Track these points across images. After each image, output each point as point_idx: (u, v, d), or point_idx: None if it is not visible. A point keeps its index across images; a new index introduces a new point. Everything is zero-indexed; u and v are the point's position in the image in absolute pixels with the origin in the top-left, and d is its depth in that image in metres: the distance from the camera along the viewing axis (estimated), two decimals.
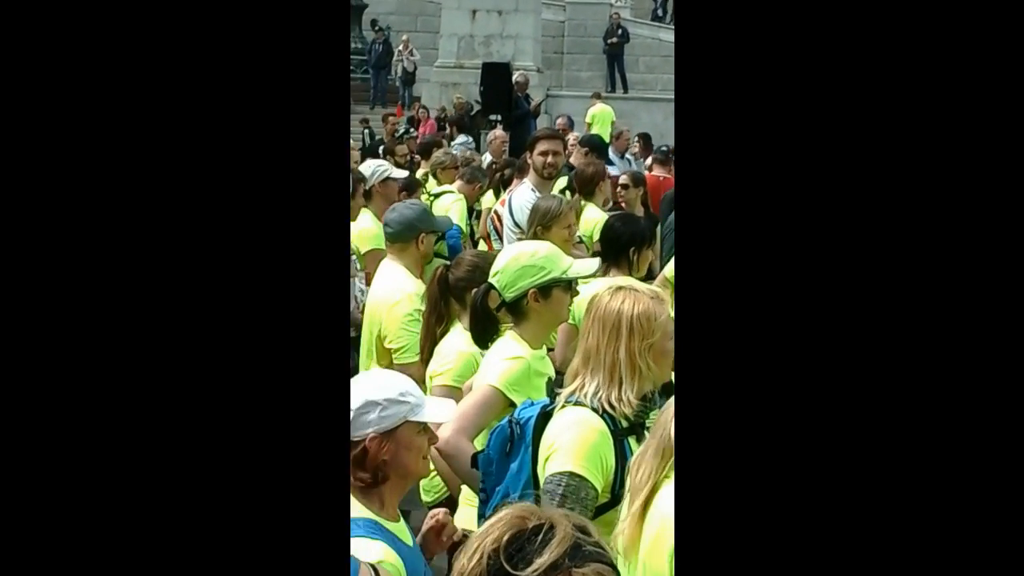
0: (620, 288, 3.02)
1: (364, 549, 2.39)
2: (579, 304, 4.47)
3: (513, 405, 3.46)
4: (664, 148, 10.59)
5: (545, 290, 3.60)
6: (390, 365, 4.57)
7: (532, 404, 3.23)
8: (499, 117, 14.66)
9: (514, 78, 16.62)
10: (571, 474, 2.87)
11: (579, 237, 5.82)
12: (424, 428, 2.65)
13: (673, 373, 2.95)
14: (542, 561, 1.52)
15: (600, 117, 17.89)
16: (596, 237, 5.96)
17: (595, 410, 2.91)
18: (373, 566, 2.29)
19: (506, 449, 3.16)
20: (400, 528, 2.63)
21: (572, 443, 2.90)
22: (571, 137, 10.48)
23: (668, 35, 24.13)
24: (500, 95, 15.50)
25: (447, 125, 16.22)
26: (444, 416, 2.76)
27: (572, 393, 2.97)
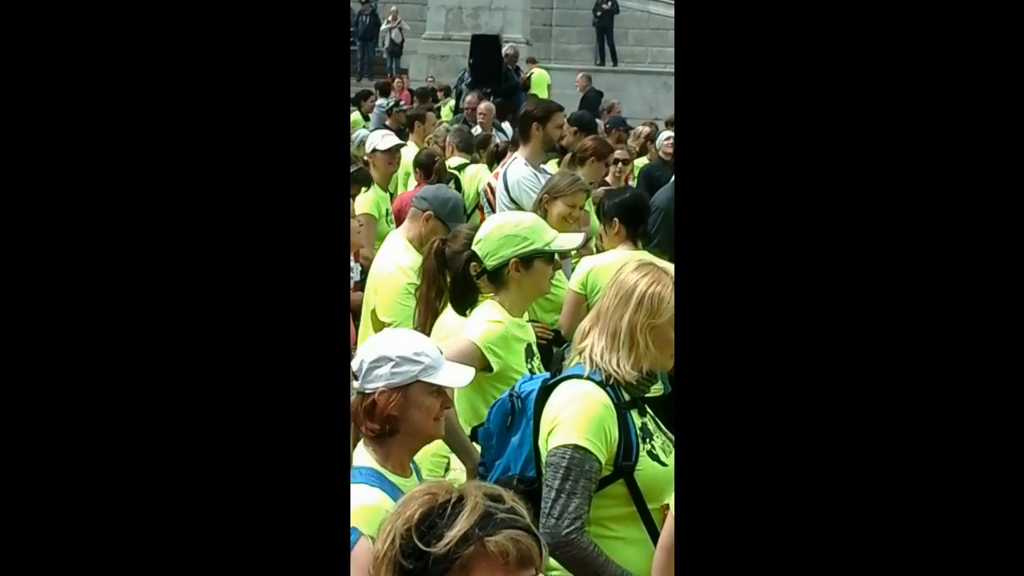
0: (650, 264, 3.03)
1: (362, 495, 2.48)
2: (601, 272, 4.48)
3: (488, 368, 3.54)
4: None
5: (527, 260, 3.63)
6: None
7: (533, 378, 3.24)
8: (489, 89, 14.56)
9: (504, 50, 16.52)
10: (575, 447, 2.86)
11: None
12: (438, 391, 2.71)
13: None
14: (452, 534, 1.53)
15: (536, 81, 17.80)
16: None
17: (599, 383, 2.90)
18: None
19: (507, 423, 3.16)
20: (408, 484, 2.65)
21: (576, 416, 2.89)
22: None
23: (657, 7, 24.02)
24: (490, 67, 15.40)
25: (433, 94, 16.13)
26: (460, 381, 2.81)
27: (581, 352, 2.98)
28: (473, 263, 3.73)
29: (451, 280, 3.85)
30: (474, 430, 3.36)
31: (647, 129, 11.18)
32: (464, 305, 3.77)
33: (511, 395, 3.19)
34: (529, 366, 3.70)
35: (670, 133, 8.18)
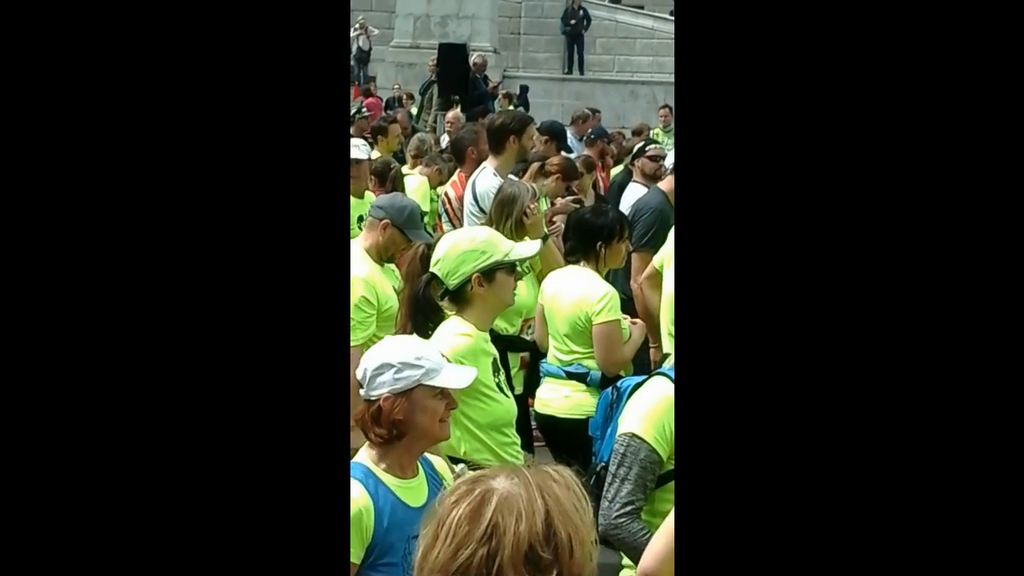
0: None
1: None
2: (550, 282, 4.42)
3: None
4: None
5: (488, 274, 3.65)
6: None
7: (637, 376, 3.45)
8: (458, 98, 14.51)
9: (471, 60, 16.46)
10: (632, 435, 3.03)
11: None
12: (441, 393, 2.79)
13: None
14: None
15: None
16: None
17: None
18: None
19: (607, 414, 3.34)
20: (409, 486, 2.79)
21: (642, 408, 3.07)
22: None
23: (625, 16, 24.11)
24: (457, 76, 15.34)
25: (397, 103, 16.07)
26: (461, 383, 2.86)
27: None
28: (433, 283, 3.72)
29: (410, 303, 3.83)
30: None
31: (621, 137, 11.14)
32: (426, 326, 3.75)
33: (613, 388, 3.37)
34: (496, 380, 3.69)
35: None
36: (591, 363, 4.63)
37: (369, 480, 2.72)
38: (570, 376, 4.65)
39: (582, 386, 4.53)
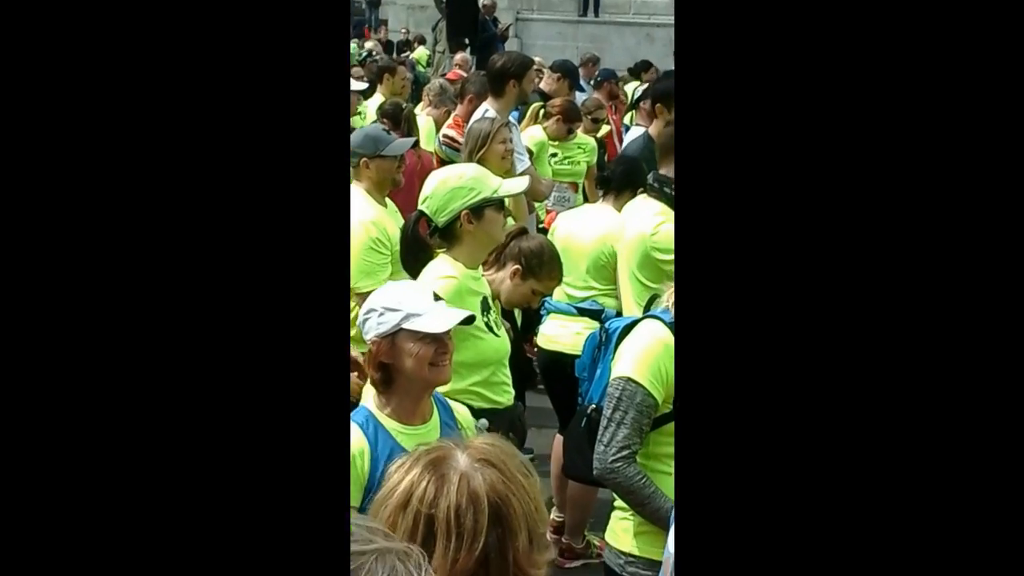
0: None
1: None
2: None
3: None
4: None
5: (477, 211, 3.66)
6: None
7: (625, 318, 3.50)
8: (467, 40, 14.30)
9: (481, 1, 16.22)
10: (628, 379, 3.01)
11: (528, 148, 6.14)
12: (430, 338, 2.79)
13: None
14: None
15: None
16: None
17: (670, 325, 3.01)
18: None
19: (594, 355, 3.36)
20: (415, 432, 2.80)
21: (636, 351, 3.06)
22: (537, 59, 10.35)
23: None
24: (466, 18, 15.11)
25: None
26: (438, 327, 2.82)
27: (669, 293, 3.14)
28: (422, 221, 3.75)
29: (400, 242, 3.87)
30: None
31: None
32: (417, 266, 3.75)
33: (601, 329, 3.39)
34: (485, 319, 3.65)
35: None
36: (607, 300, 4.73)
37: (369, 424, 2.79)
38: (582, 313, 4.72)
39: (595, 323, 4.52)
